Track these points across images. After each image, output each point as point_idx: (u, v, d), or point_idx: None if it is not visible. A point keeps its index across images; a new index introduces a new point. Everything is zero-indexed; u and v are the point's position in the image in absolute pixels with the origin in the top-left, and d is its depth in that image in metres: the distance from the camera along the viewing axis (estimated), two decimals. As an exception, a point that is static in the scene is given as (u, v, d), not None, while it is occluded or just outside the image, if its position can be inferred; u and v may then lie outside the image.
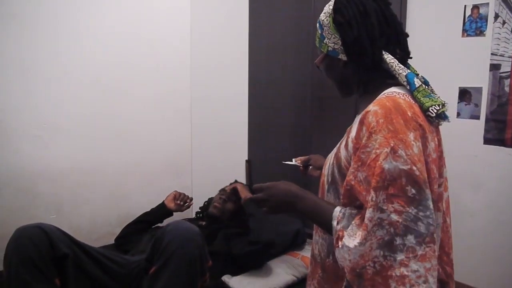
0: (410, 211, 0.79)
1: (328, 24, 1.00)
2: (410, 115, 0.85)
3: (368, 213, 0.81)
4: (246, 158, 2.95)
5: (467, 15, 2.06)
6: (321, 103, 2.51)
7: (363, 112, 0.90)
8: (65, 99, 2.07)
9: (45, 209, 2.05)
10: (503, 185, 2.03)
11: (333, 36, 1.00)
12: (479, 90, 2.07)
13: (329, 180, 1.02)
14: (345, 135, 1.03)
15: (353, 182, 0.87)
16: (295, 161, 1.46)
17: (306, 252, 2.14)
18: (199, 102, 2.65)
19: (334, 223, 0.89)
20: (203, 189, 2.71)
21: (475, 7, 2.02)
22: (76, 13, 2.10)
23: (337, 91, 1.11)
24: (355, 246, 0.81)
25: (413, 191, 0.80)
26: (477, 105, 2.08)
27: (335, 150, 1.05)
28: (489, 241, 2.04)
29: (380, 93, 0.96)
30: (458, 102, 2.13)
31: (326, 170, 1.05)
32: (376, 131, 0.84)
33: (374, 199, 0.81)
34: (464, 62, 2.12)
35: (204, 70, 2.65)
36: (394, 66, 0.96)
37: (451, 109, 2.20)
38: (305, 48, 2.46)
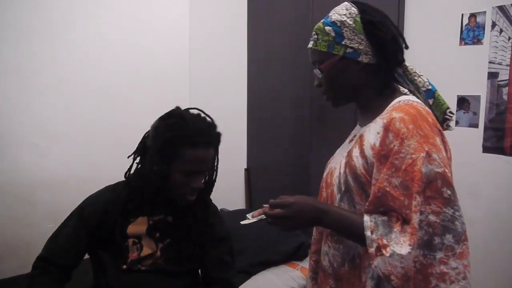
0: (447, 211, 0.84)
1: (353, 24, 0.99)
2: (431, 121, 0.91)
3: (416, 218, 0.84)
4: (245, 167, 2.95)
5: (464, 23, 2.07)
6: (321, 111, 2.51)
7: (387, 119, 0.91)
8: (63, 107, 2.07)
9: (43, 217, 2.04)
10: (502, 193, 2.02)
11: (357, 36, 0.99)
12: (477, 98, 2.07)
13: (342, 189, 1.00)
14: (354, 143, 1.03)
15: (388, 189, 0.88)
16: (252, 217, 1.34)
17: (306, 263, 2.11)
18: (198, 111, 2.65)
19: (368, 233, 0.89)
20: (201, 197, 2.70)
21: (472, 15, 2.04)
22: (74, 22, 2.11)
23: (331, 99, 1.09)
24: (409, 252, 0.83)
25: (449, 192, 0.84)
26: (476, 113, 2.08)
27: (343, 158, 1.03)
28: (488, 249, 2.03)
29: (392, 99, 1.00)
30: (456, 111, 2.14)
31: (334, 180, 1.04)
32: (408, 137, 0.87)
33: (419, 203, 0.84)
34: (462, 70, 2.13)
35: (203, 78, 2.66)
36: (414, 69, 1.03)
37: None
38: (304, 57, 2.46)
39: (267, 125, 2.79)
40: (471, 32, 2.05)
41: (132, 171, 1.30)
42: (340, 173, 1.02)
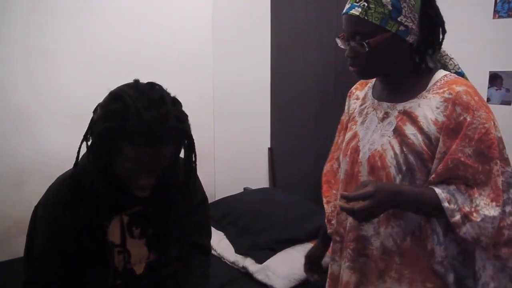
0: (509, 170, 0.96)
1: (413, 1, 0.95)
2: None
3: (499, 181, 0.93)
4: (269, 146, 2.95)
5: (499, -5, 1.98)
6: (346, 90, 2.47)
7: (452, 94, 0.95)
8: (90, 87, 2.10)
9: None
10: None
11: (412, 14, 0.96)
12: (511, 74, 1.99)
13: (404, 168, 0.99)
14: (399, 120, 1.01)
15: (462, 159, 0.93)
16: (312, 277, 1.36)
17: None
18: (222, 90, 2.65)
19: (446, 204, 0.93)
20: (225, 176, 2.73)
21: (508, -13, 1.94)
22: (100, 4, 2.12)
23: (363, 72, 1.04)
24: (499, 213, 0.92)
25: (506, 153, 0.96)
26: (509, 90, 2.00)
27: (389, 138, 1.01)
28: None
29: (429, 77, 1.02)
30: (488, 87, 2.06)
31: (389, 161, 1.00)
32: (477, 108, 0.94)
33: (500, 167, 0.94)
34: (496, 45, 2.04)
35: (226, 58, 2.65)
36: (446, 51, 1.07)
37: (481, 94, 2.11)
38: (329, 34, 2.42)
39: (291, 104, 2.77)
40: (506, 4, 1.95)
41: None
42: (396, 153, 1.00)
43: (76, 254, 1.02)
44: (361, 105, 1.17)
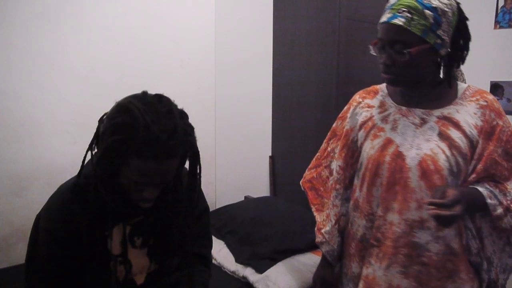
0: None
1: (451, 17, 1.03)
2: None
3: None
4: (270, 154, 2.95)
5: (500, 6, 1.99)
6: (347, 98, 2.47)
7: (487, 101, 1.10)
8: (92, 95, 2.12)
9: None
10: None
11: (449, 30, 1.04)
12: (512, 84, 1.99)
13: (455, 170, 1.08)
14: (441, 125, 1.09)
15: (497, 158, 1.07)
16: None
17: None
18: (224, 98, 2.66)
19: (489, 200, 1.05)
20: (226, 184, 2.73)
21: (509, -3, 1.95)
22: (103, 11, 2.13)
23: (396, 80, 1.10)
24: None
25: None
26: (510, 100, 2.00)
27: (437, 142, 1.08)
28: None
29: (456, 87, 1.13)
30: (489, 97, 2.07)
31: (442, 164, 1.07)
32: (503, 114, 1.10)
33: None
34: (497, 55, 2.05)
35: (228, 66, 2.66)
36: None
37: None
38: (331, 43, 2.42)
39: (292, 113, 2.77)
40: (508, 15, 1.96)
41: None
42: (447, 156, 1.07)
43: (77, 264, 1.01)
44: (380, 112, 1.19)
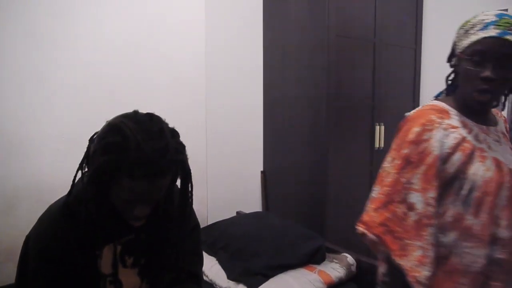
0: None
1: None
2: None
3: None
4: (262, 169, 2.95)
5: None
6: (338, 114, 2.49)
7: (505, 120, 1.22)
8: (82, 112, 2.11)
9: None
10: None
11: None
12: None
13: None
14: (506, 140, 1.18)
15: None
16: None
17: (323, 266, 2.09)
18: (215, 114, 2.67)
19: None
20: (218, 200, 2.72)
21: (493, 15, 2.00)
22: (93, 27, 2.14)
23: (496, 97, 1.15)
24: None
25: None
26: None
27: None
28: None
29: None
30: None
31: None
32: None
33: None
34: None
35: (219, 81, 2.67)
36: None
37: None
38: (320, 59, 2.46)
39: (283, 127, 2.79)
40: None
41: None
42: None
43: (67, 283, 0.99)
44: (469, 132, 1.13)
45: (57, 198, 1.08)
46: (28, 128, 1.98)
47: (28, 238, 1.06)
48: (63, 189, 1.05)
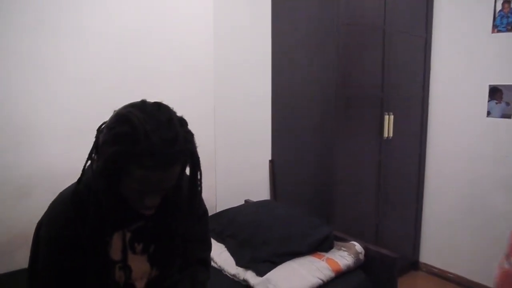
0: None
1: None
2: None
3: None
4: (270, 158, 2.95)
5: (497, 10, 1.99)
6: (347, 103, 2.48)
7: None
8: (91, 100, 2.13)
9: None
10: (536, 186, 1.96)
11: None
12: (510, 88, 2.00)
13: None
14: None
15: None
16: None
17: (331, 254, 2.11)
18: (223, 103, 2.67)
19: None
20: (226, 189, 2.73)
21: (506, 1, 1.96)
22: (101, 18, 2.15)
23: None
24: None
25: None
26: (509, 104, 2.01)
27: None
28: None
29: None
30: (488, 101, 2.07)
31: None
32: None
33: None
34: (495, 59, 2.06)
35: (227, 71, 2.67)
36: None
37: (481, 108, 2.13)
38: (329, 47, 2.44)
39: (291, 116, 2.78)
40: (505, 19, 1.97)
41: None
42: None
43: (78, 270, 1.01)
44: None
45: (66, 186, 1.10)
46: (36, 117, 2.00)
47: (39, 224, 1.08)
48: (74, 177, 1.07)
